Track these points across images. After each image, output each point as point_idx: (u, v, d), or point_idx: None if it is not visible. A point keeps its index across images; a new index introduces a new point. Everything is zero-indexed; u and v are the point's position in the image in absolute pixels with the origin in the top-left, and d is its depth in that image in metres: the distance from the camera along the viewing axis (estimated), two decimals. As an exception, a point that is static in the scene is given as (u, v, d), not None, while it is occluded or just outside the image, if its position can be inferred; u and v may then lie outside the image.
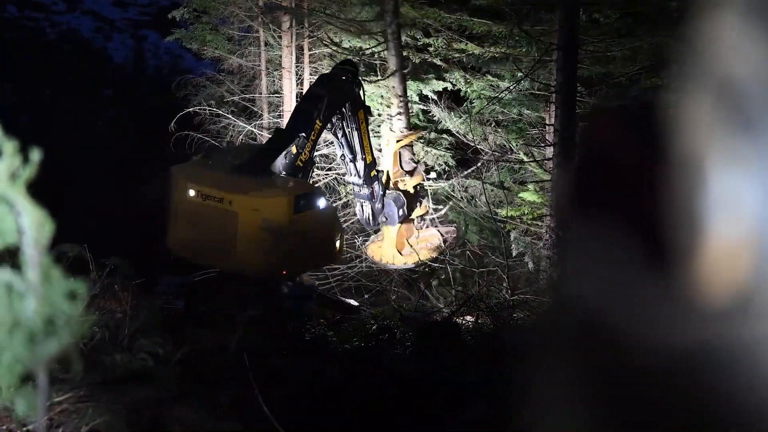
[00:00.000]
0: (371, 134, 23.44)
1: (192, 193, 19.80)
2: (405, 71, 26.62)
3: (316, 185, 25.19)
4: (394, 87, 26.36)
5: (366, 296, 26.24)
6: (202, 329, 18.03)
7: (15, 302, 1.55)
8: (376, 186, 23.17)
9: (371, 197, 23.17)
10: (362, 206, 23.55)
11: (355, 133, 22.34)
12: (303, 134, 20.75)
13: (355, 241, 26.01)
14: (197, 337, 17.30)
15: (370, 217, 23.57)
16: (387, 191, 23.79)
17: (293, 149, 20.79)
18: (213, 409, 10.71)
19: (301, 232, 20.05)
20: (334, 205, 24.13)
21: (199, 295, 20.64)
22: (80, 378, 7.70)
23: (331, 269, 26.00)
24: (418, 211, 25.41)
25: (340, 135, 22.34)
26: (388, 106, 27.11)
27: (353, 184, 23.19)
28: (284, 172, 20.62)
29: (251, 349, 16.43)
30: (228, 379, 13.99)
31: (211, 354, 16.40)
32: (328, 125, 21.73)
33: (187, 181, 20.00)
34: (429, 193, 26.42)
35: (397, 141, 24.82)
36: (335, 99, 21.67)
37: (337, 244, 22.03)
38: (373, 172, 23.10)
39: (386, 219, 23.88)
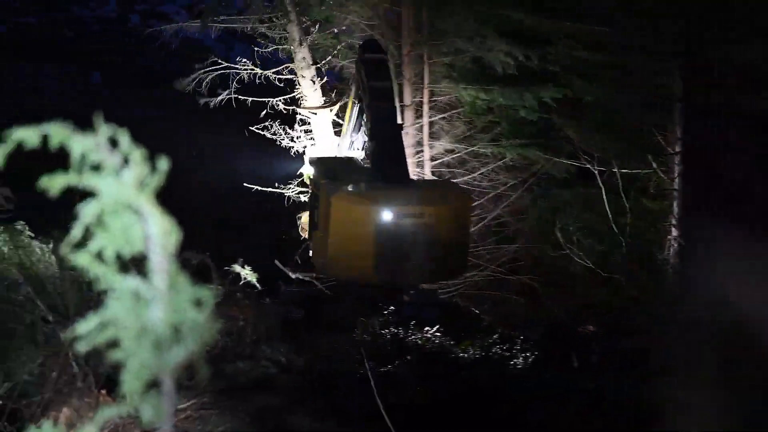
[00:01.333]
0: None
1: (385, 215, 19.73)
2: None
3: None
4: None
5: (486, 305, 26.13)
6: (323, 337, 18.20)
7: (142, 309, 1.57)
8: None
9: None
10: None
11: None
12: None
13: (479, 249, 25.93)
14: (318, 345, 17.47)
15: None
16: None
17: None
18: (335, 416, 10.77)
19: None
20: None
21: (319, 303, 20.76)
22: (205, 385, 7.79)
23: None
24: None
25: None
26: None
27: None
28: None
29: (372, 357, 16.52)
30: (350, 387, 14.07)
31: (332, 361, 16.54)
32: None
33: (374, 205, 19.78)
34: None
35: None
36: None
37: None
38: None
39: None
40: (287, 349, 15.71)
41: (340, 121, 27.63)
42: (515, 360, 17.39)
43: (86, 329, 1.57)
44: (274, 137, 29.77)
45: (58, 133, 1.61)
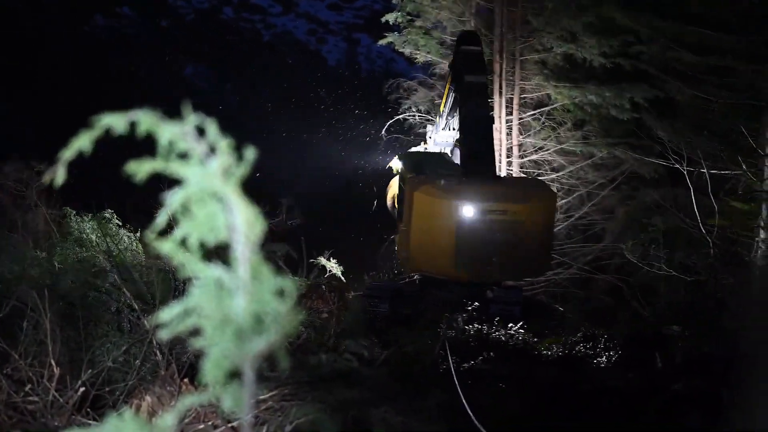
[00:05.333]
0: None
1: (468, 211, 19.83)
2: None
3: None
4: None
5: (571, 303, 25.98)
6: (406, 332, 18.20)
7: (224, 298, 1.57)
8: None
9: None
10: (453, 151, 23.63)
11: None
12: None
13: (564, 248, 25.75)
14: (402, 340, 17.47)
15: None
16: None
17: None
18: (417, 411, 10.75)
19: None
20: None
21: (404, 298, 20.77)
22: (286, 376, 7.83)
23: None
24: None
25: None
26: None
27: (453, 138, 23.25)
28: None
29: (456, 353, 16.50)
30: (433, 382, 14.04)
31: (415, 356, 16.53)
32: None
33: (456, 200, 19.92)
34: None
35: None
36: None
37: None
38: None
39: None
40: (370, 342, 15.74)
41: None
42: (599, 359, 17.27)
43: (169, 317, 1.57)
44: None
45: (146, 120, 1.62)
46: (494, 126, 22.39)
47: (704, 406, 10.52)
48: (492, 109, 20.76)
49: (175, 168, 1.60)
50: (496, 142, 23.22)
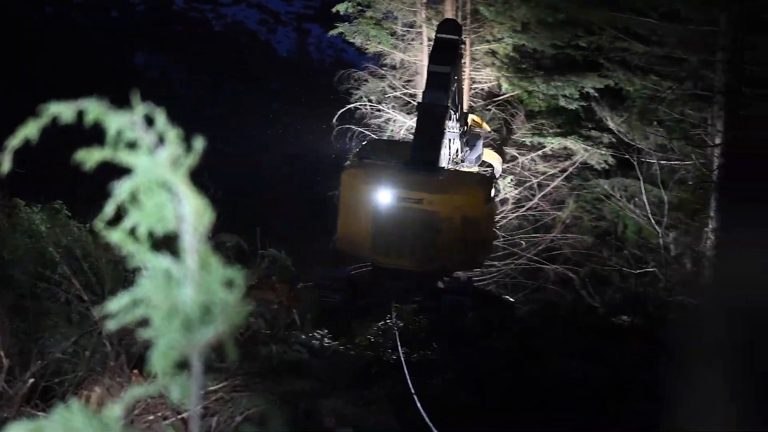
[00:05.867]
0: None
1: (384, 195, 19.88)
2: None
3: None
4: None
5: (522, 293, 26.10)
6: (358, 323, 18.22)
7: (173, 288, 1.56)
8: (463, 123, 23.47)
9: (461, 134, 23.23)
10: (450, 142, 23.18)
11: (457, 83, 22.57)
12: (449, 120, 21.01)
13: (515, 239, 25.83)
14: (353, 331, 17.49)
15: (457, 152, 23.41)
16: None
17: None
18: (368, 402, 10.78)
19: (489, 223, 20.37)
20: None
21: (355, 289, 20.78)
22: (236, 367, 7.82)
23: (487, 265, 25.94)
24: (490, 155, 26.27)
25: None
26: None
27: (451, 126, 22.85)
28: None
29: (407, 343, 16.53)
30: (384, 373, 14.08)
31: (366, 347, 16.55)
32: None
33: (375, 184, 20.09)
34: None
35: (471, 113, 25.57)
36: (456, 70, 21.92)
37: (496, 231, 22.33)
38: (465, 111, 23.94)
39: (467, 154, 23.92)
40: (322, 334, 15.74)
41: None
42: (549, 349, 17.37)
43: (117, 307, 1.57)
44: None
45: (94, 109, 1.61)
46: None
47: (654, 396, 10.60)
48: (448, 100, 20.56)
49: (124, 157, 1.59)
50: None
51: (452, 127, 22.65)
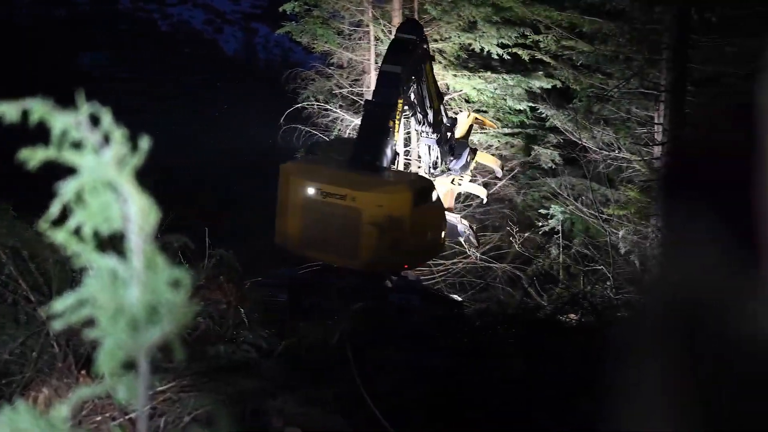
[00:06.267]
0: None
1: (311, 190, 20.00)
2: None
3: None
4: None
5: (470, 292, 26.17)
6: (305, 322, 18.18)
7: (119, 288, 1.56)
8: (443, 130, 23.03)
9: (439, 141, 22.92)
10: (429, 149, 23.22)
11: (423, 85, 22.17)
12: (395, 119, 20.82)
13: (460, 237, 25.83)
14: (301, 330, 17.44)
15: (437, 160, 23.22)
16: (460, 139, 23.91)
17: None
18: (316, 402, 10.77)
19: (420, 226, 20.23)
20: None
21: (303, 288, 20.76)
22: (184, 368, 7.79)
23: (435, 264, 25.99)
24: (475, 188, 25.53)
25: (412, 94, 22.15)
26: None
27: (422, 131, 22.91)
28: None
29: (355, 342, 16.51)
30: (331, 372, 14.05)
31: (314, 347, 16.51)
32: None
33: (305, 179, 20.24)
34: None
35: (475, 112, 24.97)
36: (411, 70, 21.62)
37: (442, 236, 22.16)
38: (440, 117, 22.93)
39: (451, 163, 23.55)
40: (269, 333, 15.70)
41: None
42: (498, 348, 17.44)
43: (63, 307, 1.56)
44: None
45: (38, 108, 1.60)
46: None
47: (599, 395, 10.69)
48: (396, 99, 20.48)
49: (69, 157, 1.59)
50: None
51: (425, 133, 22.74)
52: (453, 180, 23.81)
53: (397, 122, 20.85)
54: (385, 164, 20.65)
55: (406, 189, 19.89)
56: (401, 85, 20.89)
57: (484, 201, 26.15)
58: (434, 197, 20.75)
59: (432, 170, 23.42)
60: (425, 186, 20.58)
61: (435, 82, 22.83)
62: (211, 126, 48.18)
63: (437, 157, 23.16)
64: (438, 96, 22.92)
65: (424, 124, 22.47)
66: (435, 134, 22.77)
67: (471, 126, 24.87)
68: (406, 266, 20.95)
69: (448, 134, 23.30)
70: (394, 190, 19.94)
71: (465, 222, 24.35)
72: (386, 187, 19.96)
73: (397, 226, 19.67)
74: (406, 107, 21.35)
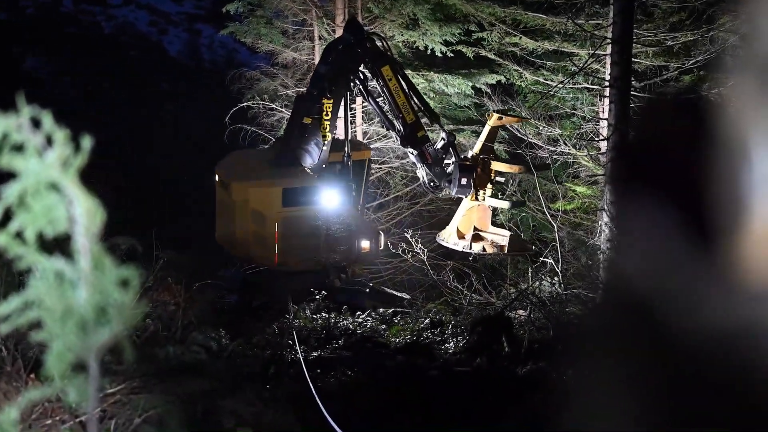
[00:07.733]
0: (412, 90, 21.76)
1: (220, 183, 21.00)
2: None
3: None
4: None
5: (418, 290, 26.15)
6: (255, 322, 18.16)
7: (66, 290, 1.55)
8: (428, 148, 21.33)
9: (422, 159, 21.41)
10: (418, 171, 22.14)
11: (386, 92, 20.95)
12: (313, 116, 20.69)
13: (406, 234, 25.76)
14: (250, 331, 17.42)
15: (432, 182, 21.82)
16: (456, 158, 21.61)
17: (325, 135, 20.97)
18: (267, 402, 10.75)
19: (294, 227, 20.04)
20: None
21: (252, 288, 20.71)
22: (134, 369, 7.75)
23: (384, 263, 25.95)
24: (497, 202, 23.04)
25: (374, 100, 21.66)
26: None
27: (399, 144, 22.16)
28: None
29: (305, 342, 16.51)
30: (282, 372, 14.05)
31: (264, 347, 16.49)
32: (352, 95, 21.94)
33: (219, 174, 21.12)
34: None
35: (497, 114, 22.67)
36: (339, 70, 21.04)
37: (381, 240, 22.07)
38: (420, 133, 21.39)
39: (449, 185, 21.65)
40: (219, 334, 15.66)
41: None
42: (446, 345, 17.47)
43: (8, 310, 1.55)
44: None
45: (-22, 112, 1.59)
46: (338, 115, 21.86)
47: (547, 390, 10.73)
48: (316, 97, 20.38)
49: (9, 161, 1.57)
50: (339, 129, 22.85)
51: (409, 150, 21.83)
52: (475, 197, 22.01)
53: (323, 120, 20.61)
54: (307, 161, 20.45)
55: (272, 185, 19.92)
56: (324, 82, 20.66)
57: (508, 210, 24.83)
58: (322, 202, 20.70)
59: (432, 191, 22.76)
60: (300, 186, 20.36)
61: (406, 91, 21.20)
62: (157, 128, 47.81)
63: (430, 177, 21.85)
64: (412, 108, 21.26)
65: (396, 137, 21.72)
66: (413, 150, 21.55)
67: (496, 130, 22.98)
68: (275, 263, 20.65)
69: (438, 155, 21.61)
70: (263, 184, 20.03)
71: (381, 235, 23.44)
72: (258, 181, 20.09)
73: (266, 223, 19.90)
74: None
